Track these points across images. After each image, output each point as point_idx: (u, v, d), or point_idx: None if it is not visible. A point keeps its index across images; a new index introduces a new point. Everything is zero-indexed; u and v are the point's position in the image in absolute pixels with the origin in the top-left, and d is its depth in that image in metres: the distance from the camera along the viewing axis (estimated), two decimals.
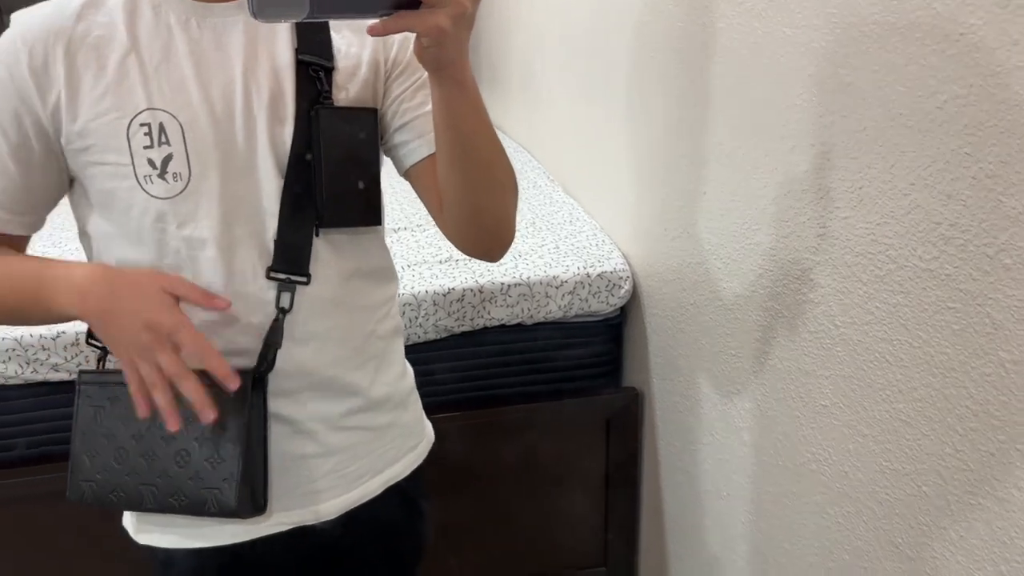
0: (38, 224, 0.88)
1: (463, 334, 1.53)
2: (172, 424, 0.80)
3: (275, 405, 0.89)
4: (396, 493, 1.00)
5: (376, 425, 0.97)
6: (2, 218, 0.85)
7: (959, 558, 0.82)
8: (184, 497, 0.85)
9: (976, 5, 0.72)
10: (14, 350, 1.33)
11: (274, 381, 0.88)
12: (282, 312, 0.86)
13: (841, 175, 0.92)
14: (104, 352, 0.93)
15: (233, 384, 0.79)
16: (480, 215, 0.86)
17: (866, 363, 0.92)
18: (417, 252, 1.61)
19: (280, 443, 0.90)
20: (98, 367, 0.94)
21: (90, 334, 0.92)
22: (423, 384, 1.08)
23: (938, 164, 0.78)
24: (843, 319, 0.95)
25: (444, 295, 1.48)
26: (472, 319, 1.51)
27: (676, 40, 1.29)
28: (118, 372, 0.88)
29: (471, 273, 1.51)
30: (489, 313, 1.51)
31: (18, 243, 0.89)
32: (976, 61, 0.72)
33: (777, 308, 1.08)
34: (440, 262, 1.56)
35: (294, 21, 0.61)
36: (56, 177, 0.85)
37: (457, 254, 1.52)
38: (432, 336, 1.50)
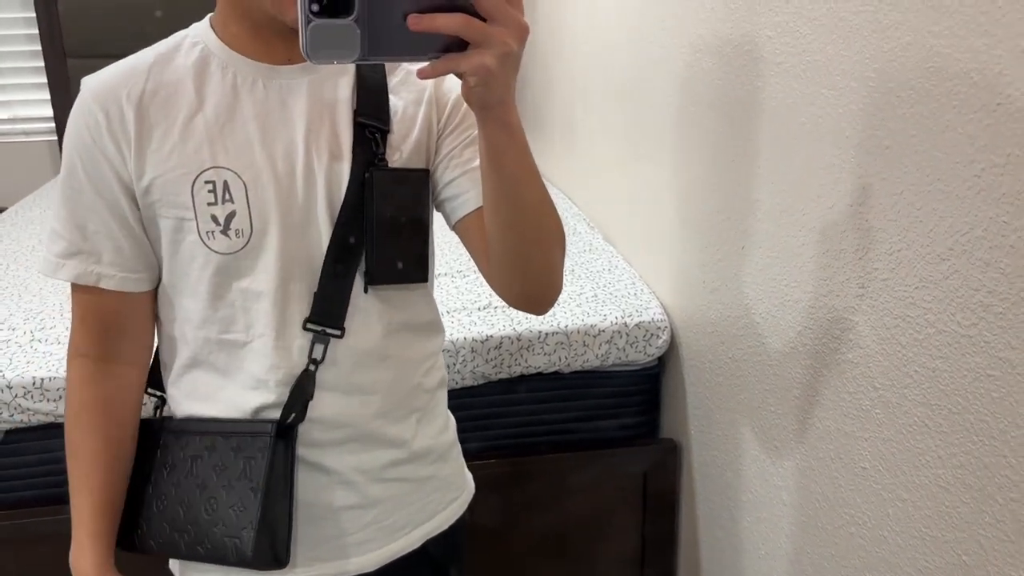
0: (152, 281, 0.91)
1: (500, 381, 1.54)
2: None
3: (315, 455, 0.90)
4: (435, 544, 1.00)
5: (417, 477, 0.97)
6: (120, 276, 0.88)
7: None
8: (209, 545, 0.87)
9: (1013, 76, 0.72)
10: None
11: (316, 432, 0.89)
12: (313, 363, 0.88)
13: (879, 236, 0.92)
14: (162, 401, 0.97)
15: None
16: (525, 264, 0.86)
17: (905, 427, 0.91)
18: (456, 298, 1.63)
19: (319, 494, 0.91)
20: (155, 413, 0.97)
21: (150, 382, 0.97)
22: (458, 430, 1.09)
23: (976, 231, 0.78)
24: (882, 381, 0.94)
25: (482, 342, 1.49)
26: (509, 367, 1.52)
27: (716, 96, 1.31)
28: (170, 420, 0.94)
29: (509, 320, 1.53)
30: (526, 361, 1.52)
31: (141, 305, 0.91)
32: (1013, 131, 0.73)
33: (816, 367, 1.08)
34: (479, 309, 1.57)
35: (346, 62, 0.64)
36: (146, 237, 0.89)
37: (496, 301, 1.54)
38: (469, 383, 1.51)
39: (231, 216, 0.84)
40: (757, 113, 1.17)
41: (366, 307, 0.89)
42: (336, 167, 0.86)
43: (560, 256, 0.89)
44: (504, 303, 0.93)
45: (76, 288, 0.89)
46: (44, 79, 3.23)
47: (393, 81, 0.90)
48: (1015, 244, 0.74)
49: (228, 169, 0.84)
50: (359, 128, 0.87)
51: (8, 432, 1.38)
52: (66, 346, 0.93)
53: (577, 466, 1.59)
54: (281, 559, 0.88)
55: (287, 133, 0.86)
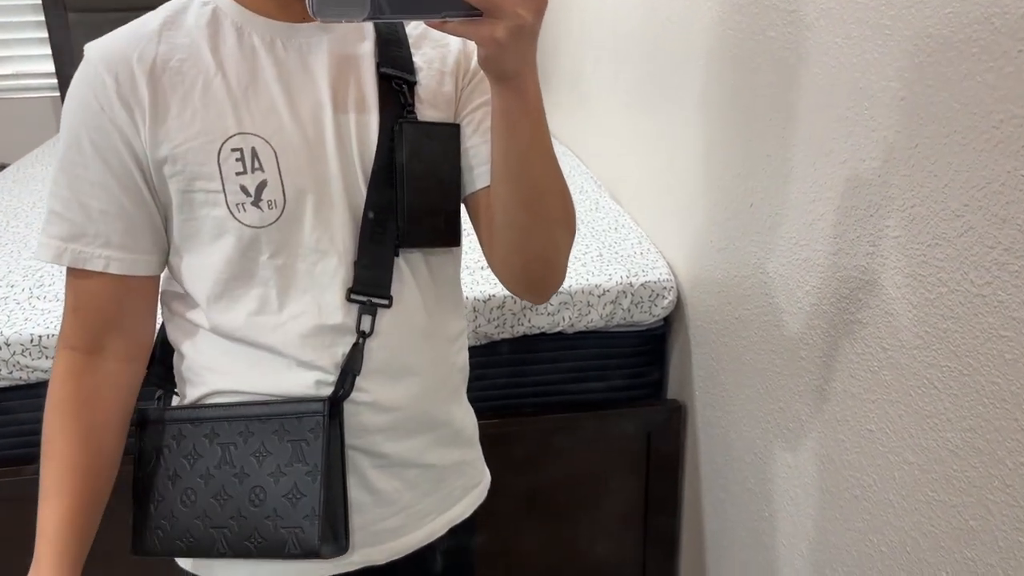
0: (162, 263, 0.85)
1: (503, 341, 1.52)
2: None
3: (360, 439, 0.85)
4: (455, 534, 0.98)
5: (448, 462, 0.94)
6: (129, 259, 0.81)
7: None
8: (261, 539, 0.80)
9: None
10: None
11: (363, 415, 0.85)
12: (362, 336, 0.83)
13: (892, 193, 0.89)
14: (167, 388, 0.91)
15: None
16: (526, 243, 0.82)
17: (914, 389, 0.89)
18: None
19: (363, 478, 0.87)
20: (157, 403, 0.91)
21: (150, 367, 0.90)
22: None
23: (993, 186, 0.75)
24: (891, 342, 0.92)
25: (485, 302, 1.47)
26: (512, 327, 1.50)
27: (726, 49, 1.26)
28: (182, 407, 0.86)
29: None
30: (530, 321, 1.50)
31: (145, 290, 0.85)
32: None
33: (824, 327, 1.05)
34: (482, 268, 1.55)
35: (355, 21, 0.61)
36: (160, 212, 0.82)
37: None
38: (472, 343, 1.49)
39: (262, 186, 0.78)
40: (769, 64, 1.13)
41: (403, 274, 0.85)
42: (365, 125, 0.82)
43: (566, 242, 0.85)
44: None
45: (74, 273, 0.82)
46: (45, 34, 3.19)
47: (415, 35, 0.87)
48: None
49: (255, 135, 0.78)
50: (384, 80, 0.83)
51: (6, 389, 1.38)
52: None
53: (580, 427, 1.57)
54: (343, 545, 0.84)
55: (312, 94, 0.81)
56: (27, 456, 1.40)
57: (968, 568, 0.83)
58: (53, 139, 2.94)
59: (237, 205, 0.79)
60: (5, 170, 2.47)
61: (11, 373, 1.36)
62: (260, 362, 0.83)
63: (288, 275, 0.81)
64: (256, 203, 0.79)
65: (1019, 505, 0.76)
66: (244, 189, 0.79)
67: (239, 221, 0.79)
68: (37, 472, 1.38)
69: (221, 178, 0.78)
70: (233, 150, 0.78)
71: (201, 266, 0.82)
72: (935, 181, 0.82)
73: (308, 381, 0.83)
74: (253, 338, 0.83)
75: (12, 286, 1.50)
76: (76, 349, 0.84)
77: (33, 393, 1.38)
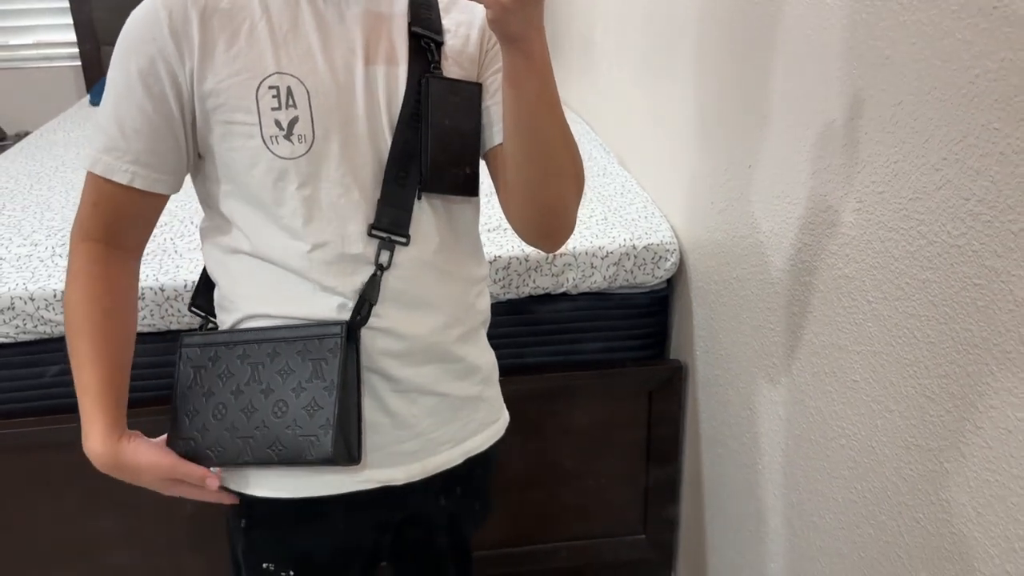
0: (179, 185, 0.92)
1: (508, 302, 1.56)
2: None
3: (377, 363, 0.92)
4: (474, 465, 1.03)
5: (464, 394, 1.00)
6: (151, 177, 0.89)
7: (976, 534, 0.82)
8: (282, 447, 0.88)
9: None
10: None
11: (380, 340, 0.91)
12: (380, 268, 0.89)
13: (877, 149, 0.92)
14: (206, 319, 1.00)
15: (213, 485, 0.92)
16: (537, 196, 0.89)
17: (896, 339, 0.92)
18: None
19: (380, 400, 0.93)
20: (200, 329, 0.99)
21: (193, 302, 1.00)
22: None
23: (969, 139, 0.77)
24: (875, 294, 0.95)
25: (491, 262, 1.51)
26: (517, 287, 1.54)
27: (728, 13, 1.29)
28: (218, 332, 0.94)
29: (517, 241, 1.54)
30: (534, 282, 1.54)
31: (158, 203, 0.93)
32: (1007, 36, 0.71)
33: (814, 283, 1.08)
34: (489, 230, 1.59)
35: None
36: (189, 141, 0.89)
37: (506, 223, 1.54)
38: None
39: (294, 121, 0.86)
40: (767, 26, 1.15)
41: (423, 217, 0.91)
42: (393, 75, 0.89)
43: (574, 195, 0.92)
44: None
45: (98, 179, 0.88)
46: (67, 4, 3.23)
47: (445, 1, 0.94)
48: (1004, 151, 0.73)
49: (291, 75, 0.85)
50: (414, 38, 0.90)
51: (31, 343, 1.44)
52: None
53: (583, 386, 1.62)
54: (355, 456, 0.91)
55: (346, 43, 0.88)
56: (52, 407, 1.46)
57: (943, 508, 0.86)
58: (74, 107, 3.00)
59: (271, 137, 0.86)
60: (28, 137, 2.53)
61: (35, 327, 1.42)
62: (288, 286, 0.90)
63: (313, 205, 0.88)
64: (288, 136, 0.86)
65: (988, 446, 0.79)
66: (278, 123, 0.86)
67: (272, 152, 0.86)
68: (60, 422, 1.44)
69: (258, 112, 0.85)
70: (270, 87, 0.85)
71: (239, 193, 0.89)
72: (916, 137, 0.85)
73: (331, 305, 0.90)
74: (283, 261, 0.89)
75: (36, 244, 1.56)
76: (97, 240, 0.91)
77: (55, 347, 1.44)
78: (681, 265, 1.58)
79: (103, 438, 0.89)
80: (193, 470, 0.91)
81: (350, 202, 0.89)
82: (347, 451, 0.89)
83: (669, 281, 1.62)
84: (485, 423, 1.04)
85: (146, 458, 0.90)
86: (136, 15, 0.86)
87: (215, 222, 0.94)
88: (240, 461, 0.90)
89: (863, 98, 0.93)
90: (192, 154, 0.91)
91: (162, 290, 1.42)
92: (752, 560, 1.35)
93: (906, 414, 0.91)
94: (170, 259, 1.49)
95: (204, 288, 1.00)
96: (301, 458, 0.87)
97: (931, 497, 0.88)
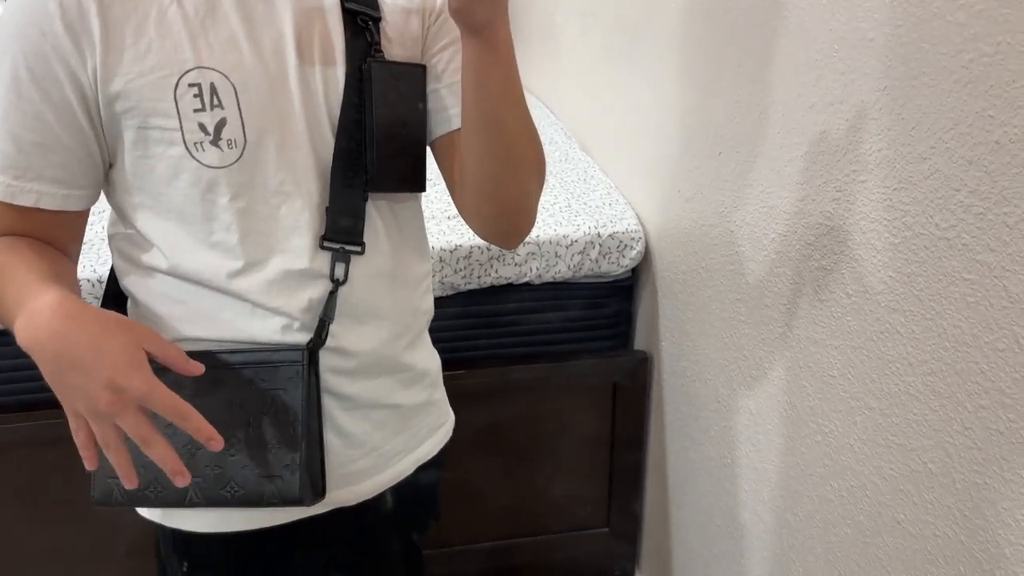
0: (95, 197, 0.80)
1: (470, 292, 1.50)
2: (181, 481, 0.69)
3: (332, 383, 0.84)
4: (425, 467, 0.97)
5: (415, 403, 0.94)
6: (61, 194, 0.76)
7: (962, 537, 0.79)
8: (238, 487, 0.77)
9: None
10: None
11: (332, 359, 0.83)
12: (336, 284, 0.81)
13: (860, 136, 0.88)
14: None
15: (216, 445, 0.69)
16: (498, 192, 0.81)
17: (876, 334, 0.89)
18: (425, 207, 1.58)
19: (331, 421, 0.85)
20: None
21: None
22: None
23: (960, 127, 0.74)
24: (855, 288, 0.91)
25: (451, 251, 1.45)
26: (479, 277, 1.49)
27: None
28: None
29: None
30: (496, 271, 1.49)
31: (77, 218, 0.81)
32: (1006, 17, 0.68)
33: (788, 274, 1.05)
34: (448, 218, 1.53)
35: None
36: (104, 150, 0.77)
37: None
38: (438, 293, 1.47)
39: (222, 124, 0.74)
40: (738, 9, 1.11)
41: (372, 220, 0.83)
42: (330, 62, 0.79)
43: (536, 189, 0.84)
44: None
45: (4, 204, 0.76)
46: None
47: None
48: (1000, 140, 0.70)
49: (214, 70, 0.74)
50: (349, 16, 0.80)
51: None
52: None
53: (547, 377, 1.57)
54: (319, 492, 0.82)
55: (274, 27, 0.77)
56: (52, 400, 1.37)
57: (926, 510, 0.84)
58: None
59: (195, 144, 0.74)
60: None
61: None
62: (217, 308, 0.80)
63: (250, 219, 0.78)
64: (215, 142, 0.75)
65: (977, 447, 0.76)
66: (203, 127, 0.74)
67: (197, 161, 0.75)
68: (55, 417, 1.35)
69: (178, 115, 0.74)
70: (191, 85, 0.74)
71: (157, 207, 0.78)
72: (902, 124, 0.81)
73: (272, 327, 0.80)
74: (211, 282, 0.79)
75: None
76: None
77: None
78: (647, 254, 1.54)
79: (60, 296, 0.68)
80: (169, 346, 0.71)
81: (291, 211, 0.79)
82: (312, 489, 0.81)
83: (634, 271, 1.58)
84: (434, 427, 0.99)
85: (110, 314, 0.70)
86: (18, 8, 0.72)
87: (127, 231, 0.82)
88: (187, 503, 0.78)
89: (844, 83, 0.89)
90: (104, 168, 0.79)
91: (100, 281, 1.33)
92: (720, 554, 1.33)
93: (887, 412, 0.88)
94: (107, 249, 1.40)
95: (115, 297, 0.86)
96: (262, 500, 0.77)
97: (913, 498, 0.85)
